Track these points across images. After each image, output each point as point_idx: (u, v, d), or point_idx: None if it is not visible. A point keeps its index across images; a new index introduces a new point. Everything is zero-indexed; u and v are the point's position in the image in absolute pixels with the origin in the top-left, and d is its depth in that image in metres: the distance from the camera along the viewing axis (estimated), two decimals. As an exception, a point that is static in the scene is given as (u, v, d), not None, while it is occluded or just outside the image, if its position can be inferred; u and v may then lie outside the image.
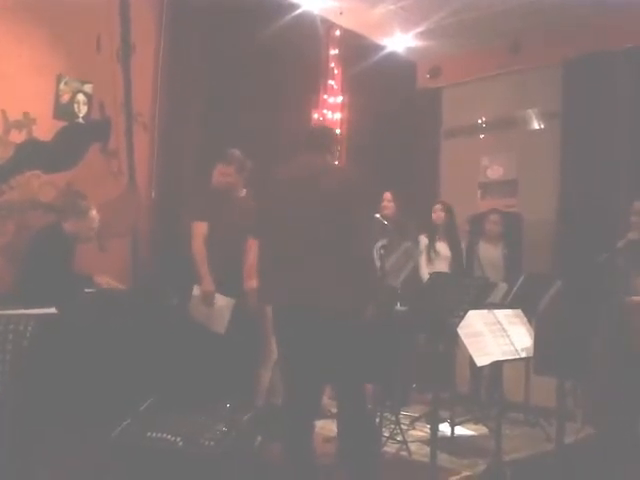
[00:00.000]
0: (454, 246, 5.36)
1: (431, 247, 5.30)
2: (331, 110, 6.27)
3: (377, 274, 3.56)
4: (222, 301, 3.97)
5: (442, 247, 5.33)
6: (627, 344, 3.15)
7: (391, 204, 5.18)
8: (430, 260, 5.26)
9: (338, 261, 2.75)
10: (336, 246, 2.76)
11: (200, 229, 4.07)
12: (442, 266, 5.23)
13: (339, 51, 6.30)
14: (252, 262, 3.94)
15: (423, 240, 5.33)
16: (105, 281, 4.04)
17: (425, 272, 5.10)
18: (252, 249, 3.95)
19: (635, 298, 3.68)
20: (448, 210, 5.39)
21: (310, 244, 2.77)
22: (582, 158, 5.97)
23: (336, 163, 3.09)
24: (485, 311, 3.24)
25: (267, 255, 2.93)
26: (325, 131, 3.38)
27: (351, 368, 2.80)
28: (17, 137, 4.34)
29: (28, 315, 2.85)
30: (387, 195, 5.21)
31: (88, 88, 4.68)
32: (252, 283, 3.91)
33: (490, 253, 5.41)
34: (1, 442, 2.63)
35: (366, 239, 2.96)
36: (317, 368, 2.82)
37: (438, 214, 5.36)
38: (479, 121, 6.89)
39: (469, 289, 3.20)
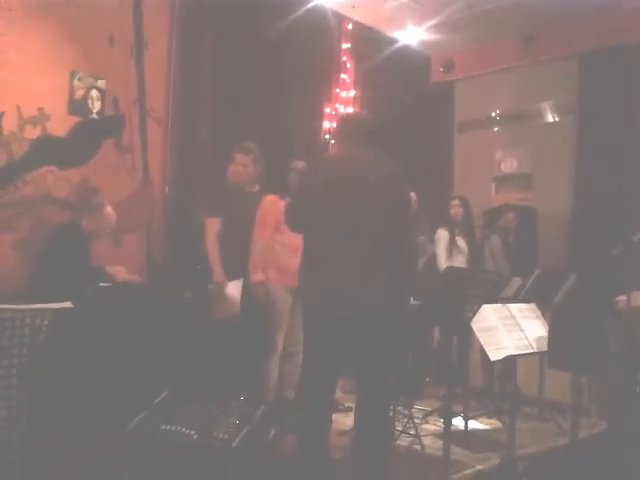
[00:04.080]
0: (471, 241, 5.34)
1: (452, 242, 5.27)
2: (344, 104, 6.26)
3: (417, 271, 3.50)
4: (232, 285, 3.98)
5: (461, 242, 5.31)
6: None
7: (414, 205, 5.12)
8: (451, 255, 5.23)
9: (384, 257, 2.71)
10: (381, 243, 2.72)
11: (213, 225, 4.08)
12: (462, 261, 5.21)
13: (351, 45, 6.29)
14: (256, 256, 3.94)
15: (443, 234, 5.30)
16: (117, 270, 4.06)
17: (444, 266, 5.07)
18: (256, 243, 3.95)
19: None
20: (466, 205, 5.36)
21: (354, 240, 2.72)
22: (597, 151, 5.93)
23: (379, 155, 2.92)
24: (499, 305, 3.22)
25: (309, 251, 2.85)
26: (362, 120, 3.14)
27: (381, 363, 2.79)
28: (32, 133, 4.38)
29: (44, 310, 2.87)
30: (412, 195, 5.14)
31: (102, 84, 4.70)
32: (257, 276, 3.92)
33: (503, 248, 5.39)
34: (19, 435, 2.66)
35: (411, 235, 2.91)
36: (345, 364, 2.81)
37: (456, 209, 5.32)
38: (493, 114, 6.86)
39: (483, 283, 3.18)
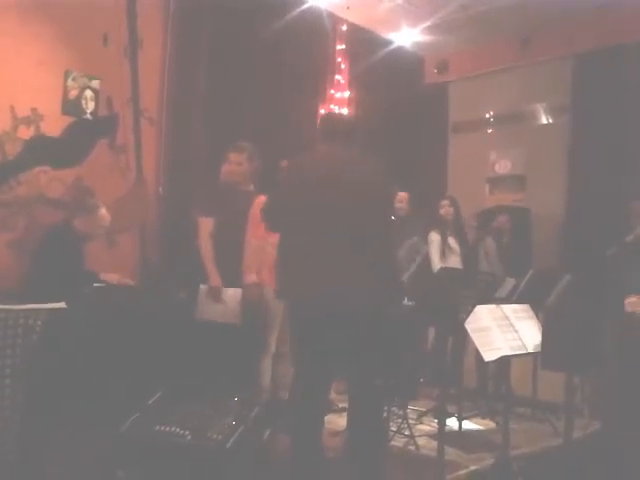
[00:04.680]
0: (462, 240, 5.35)
1: (444, 243, 5.27)
2: (338, 105, 6.27)
3: (399, 270, 3.52)
4: (232, 293, 3.97)
5: (453, 242, 5.32)
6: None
7: (405, 205, 5.14)
8: (444, 256, 5.24)
9: (365, 256, 2.72)
10: (363, 241, 2.73)
11: (206, 225, 4.07)
12: (455, 261, 5.21)
13: (346, 46, 6.29)
14: (250, 257, 3.93)
15: (435, 237, 5.30)
16: (111, 278, 4.06)
17: (438, 268, 5.07)
18: (249, 244, 3.94)
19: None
20: (455, 205, 5.37)
21: (335, 239, 2.71)
22: (591, 153, 5.95)
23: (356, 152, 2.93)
24: (493, 306, 3.23)
25: (289, 250, 2.84)
26: (343, 119, 3.25)
27: (370, 363, 2.79)
28: (25, 133, 4.36)
29: (38, 310, 2.87)
30: (403, 195, 5.16)
31: (96, 84, 4.69)
32: (250, 277, 3.91)
33: (497, 249, 5.41)
34: (14, 435, 2.65)
35: (391, 234, 2.92)
36: (335, 364, 2.81)
37: (447, 209, 5.32)
38: (487, 116, 6.87)
39: (477, 284, 3.19)
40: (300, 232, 2.80)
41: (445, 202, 5.38)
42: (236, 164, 4.11)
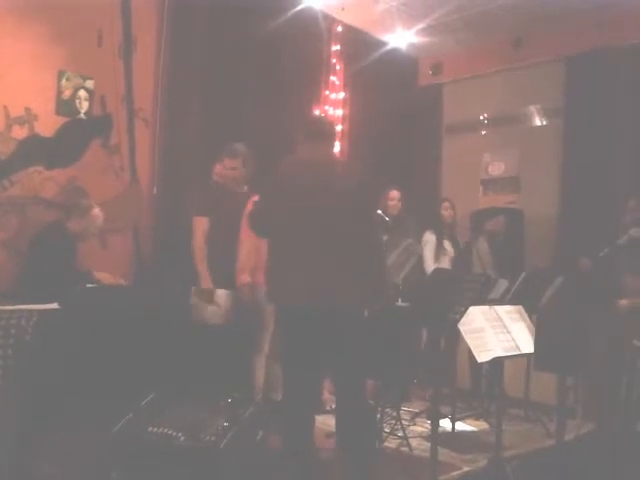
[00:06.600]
0: (457, 243, 5.38)
1: (439, 244, 5.29)
2: (333, 106, 6.27)
3: (387, 269, 3.55)
4: (221, 294, 3.96)
5: (447, 245, 5.33)
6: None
7: (398, 203, 5.17)
8: (437, 257, 5.25)
9: (351, 257, 2.74)
10: (349, 242, 2.74)
11: (201, 224, 4.07)
12: (448, 263, 5.23)
13: (341, 47, 6.29)
14: (243, 257, 3.93)
15: (430, 237, 5.32)
16: (104, 277, 4.05)
17: (432, 269, 5.09)
18: (243, 244, 3.93)
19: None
20: (454, 207, 5.40)
21: (322, 240, 2.73)
22: (584, 154, 5.97)
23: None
24: (486, 307, 3.24)
25: (277, 253, 2.86)
26: (328, 123, 3.32)
27: (356, 363, 2.80)
28: (19, 133, 4.35)
29: (30, 310, 2.86)
30: (395, 194, 5.19)
31: (90, 84, 4.68)
32: (244, 278, 3.90)
33: (490, 250, 5.43)
34: (6, 435, 2.65)
35: (377, 234, 2.95)
36: (321, 364, 2.82)
37: (449, 212, 5.35)
38: (481, 117, 6.88)
39: (470, 285, 3.20)
40: (285, 235, 2.83)
41: (447, 204, 5.41)
42: (230, 169, 4.12)
